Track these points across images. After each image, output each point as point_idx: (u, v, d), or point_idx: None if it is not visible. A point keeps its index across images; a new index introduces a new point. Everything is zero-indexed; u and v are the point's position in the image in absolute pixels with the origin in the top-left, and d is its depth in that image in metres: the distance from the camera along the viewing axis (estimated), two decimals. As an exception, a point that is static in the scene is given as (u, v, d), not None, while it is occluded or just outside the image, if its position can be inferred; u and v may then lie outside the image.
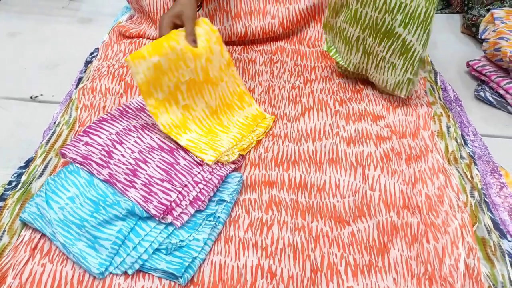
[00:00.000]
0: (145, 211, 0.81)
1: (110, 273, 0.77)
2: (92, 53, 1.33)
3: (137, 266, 0.77)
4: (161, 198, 0.83)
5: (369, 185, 0.91)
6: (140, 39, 1.32)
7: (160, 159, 0.90)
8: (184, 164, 0.91)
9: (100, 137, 0.91)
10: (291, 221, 0.86)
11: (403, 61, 1.08)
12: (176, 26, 0.96)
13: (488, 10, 1.48)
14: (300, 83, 1.20)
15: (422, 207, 0.87)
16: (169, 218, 0.82)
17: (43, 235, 0.81)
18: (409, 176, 0.94)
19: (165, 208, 0.82)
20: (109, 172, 0.86)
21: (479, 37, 1.37)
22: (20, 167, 0.96)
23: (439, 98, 1.19)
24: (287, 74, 1.24)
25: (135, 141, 0.92)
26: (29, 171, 0.94)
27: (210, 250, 0.81)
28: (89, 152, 0.88)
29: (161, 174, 0.87)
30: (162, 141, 0.93)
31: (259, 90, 1.18)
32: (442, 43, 1.50)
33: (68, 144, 0.91)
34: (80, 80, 1.23)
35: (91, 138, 0.91)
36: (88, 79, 1.19)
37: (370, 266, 0.79)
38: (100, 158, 0.88)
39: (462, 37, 1.55)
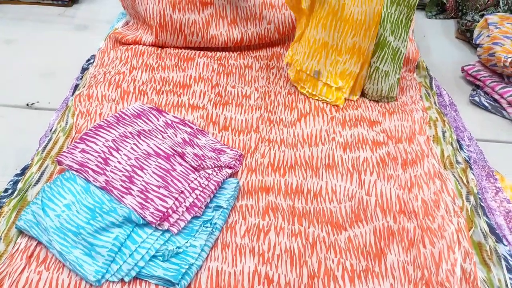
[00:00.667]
0: (142, 218, 0.81)
1: (107, 280, 0.76)
2: (88, 60, 1.33)
3: (133, 273, 0.77)
4: (157, 205, 0.83)
5: (365, 190, 0.91)
6: (137, 45, 1.33)
7: (156, 165, 0.90)
8: (180, 170, 0.91)
9: (97, 144, 0.91)
10: (288, 227, 0.86)
11: (393, 66, 1.11)
12: None
13: (482, 16, 1.50)
14: (296, 89, 1.21)
15: (418, 212, 0.87)
16: (166, 225, 0.82)
17: (39, 242, 0.81)
18: (405, 181, 0.94)
19: (162, 214, 0.82)
20: (106, 179, 0.86)
21: (474, 42, 1.39)
22: (16, 175, 0.96)
23: (435, 103, 1.20)
24: (283, 80, 1.24)
25: (132, 148, 0.92)
26: (25, 179, 0.94)
27: (207, 257, 0.81)
28: (85, 159, 0.88)
29: (158, 181, 0.87)
30: (158, 148, 0.93)
31: (255, 96, 1.18)
32: (437, 48, 1.52)
33: (64, 151, 0.91)
34: (76, 87, 1.23)
35: (87, 145, 0.91)
36: (85, 86, 1.19)
37: (367, 271, 0.79)
38: (96, 165, 0.87)
39: (456, 43, 1.56)
